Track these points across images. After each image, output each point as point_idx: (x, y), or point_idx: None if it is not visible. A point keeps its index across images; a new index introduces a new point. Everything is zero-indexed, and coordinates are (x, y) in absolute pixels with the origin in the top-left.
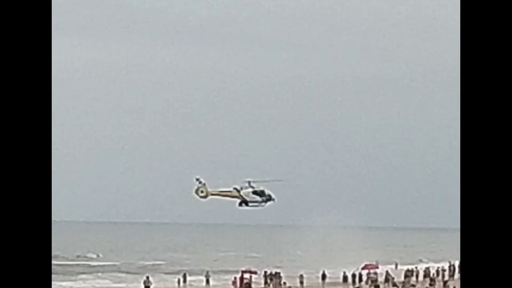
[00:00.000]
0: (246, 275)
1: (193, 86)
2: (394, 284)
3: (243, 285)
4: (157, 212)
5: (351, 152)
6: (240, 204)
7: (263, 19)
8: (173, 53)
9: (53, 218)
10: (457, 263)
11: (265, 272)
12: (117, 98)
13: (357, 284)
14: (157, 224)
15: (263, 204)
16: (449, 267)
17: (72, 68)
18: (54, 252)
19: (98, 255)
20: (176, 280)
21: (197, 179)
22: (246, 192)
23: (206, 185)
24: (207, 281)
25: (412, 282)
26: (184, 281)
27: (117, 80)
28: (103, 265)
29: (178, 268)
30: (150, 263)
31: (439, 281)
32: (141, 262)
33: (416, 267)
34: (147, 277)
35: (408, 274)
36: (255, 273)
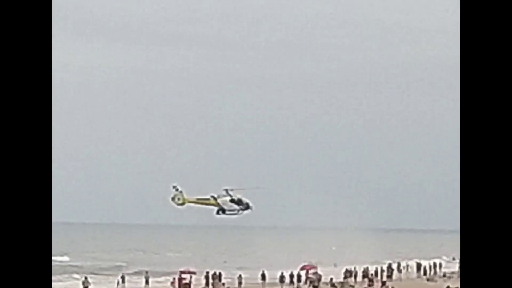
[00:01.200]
0: (186, 276)
1: (170, 90)
2: (333, 285)
3: (182, 285)
4: (133, 213)
5: (331, 155)
6: (218, 213)
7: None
8: (151, 54)
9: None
10: (394, 265)
11: (207, 272)
12: (94, 100)
13: (295, 285)
14: (132, 225)
15: (240, 212)
16: (388, 267)
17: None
18: None
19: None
20: (116, 281)
21: (174, 187)
22: (224, 200)
23: (183, 192)
24: (146, 282)
25: (350, 283)
26: (123, 281)
27: (93, 83)
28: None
29: (138, 268)
30: (108, 263)
31: (377, 281)
32: (97, 263)
33: (355, 267)
34: (85, 278)
35: (347, 274)
36: (194, 273)
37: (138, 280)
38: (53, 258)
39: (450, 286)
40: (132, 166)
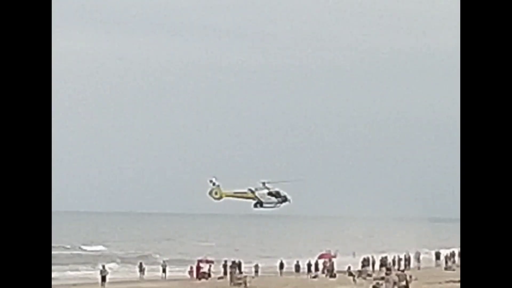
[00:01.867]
0: (204, 265)
1: (207, 84)
2: (350, 274)
3: (200, 274)
4: (169, 203)
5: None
6: (255, 206)
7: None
8: (182, 47)
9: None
10: (412, 254)
11: (225, 261)
12: (124, 92)
13: (313, 273)
14: (166, 214)
15: (278, 205)
16: (405, 256)
17: (71, 59)
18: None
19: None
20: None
21: (211, 181)
22: (261, 193)
23: (220, 186)
24: (164, 271)
25: (368, 272)
26: (141, 270)
27: (126, 73)
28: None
29: (168, 257)
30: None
31: (395, 270)
32: (124, 252)
33: (372, 256)
34: (103, 266)
35: (365, 263)
36: (211, 262)
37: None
38: (88, 247)
39: None
40: (169, 158)
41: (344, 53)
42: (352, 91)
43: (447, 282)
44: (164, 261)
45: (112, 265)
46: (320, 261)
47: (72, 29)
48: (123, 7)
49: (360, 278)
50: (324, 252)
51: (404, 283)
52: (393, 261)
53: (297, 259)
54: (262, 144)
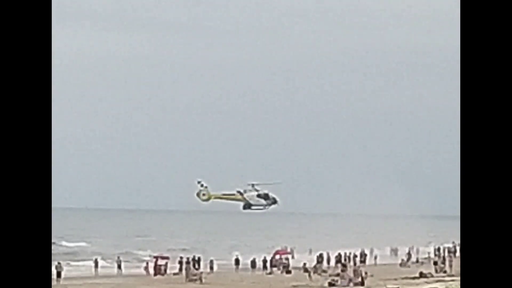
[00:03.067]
0: (161, 261)
1: (196, 83)
2: (306, 270)
3: (156, 271)
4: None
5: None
6: (244, 207)
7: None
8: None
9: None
10: (367, 250)
11: (181, 257)
12: (118, 89)
13: (268, 270)
14: (149, 211)
15: (267, 207)
16: (361, 253)
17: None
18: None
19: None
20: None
21: (199, 182)
22: (250, 195)
23: (208, 188)
24: (119, 267)
25: (324, 268)
26: (96, 266)
27: (120, 71)
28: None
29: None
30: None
31: (351, 266)
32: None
33: (328, 253)
34: (59, 263)
35: (319, 259)
36: (167, 258)
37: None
38: (68, 243)
39: (423, 271)
40: (156, 157)
41: (336, 49)
42: (350, 88)
43: (403, 278)
44: (119, 257)
45: (88, 262)
46: (276, 258)
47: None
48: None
49: (315, 274)
50: (279, 248)
51: (359, 279)
52: (349, 257)
53: (264, 255)
54: (252, 144)
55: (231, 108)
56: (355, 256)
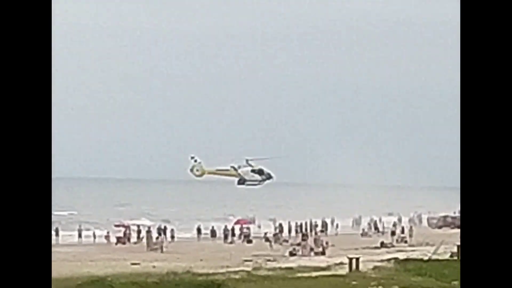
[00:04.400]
0: (121, 229)
1: (189, 54)
2: (267, 239)
3: (117, 239)
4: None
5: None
6: (239, 183)
7: None
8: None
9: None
10: (328, 220)
11: (138, 226)
12: (112, 59)
13: (229, 239)
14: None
15: (261, 182)
16: (322, 222)
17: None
18: None
19: None
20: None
21: (192, 157)
22: (245, 171)
23: (202, 163)
24: (79, 235)
25: (285, 237)
26: (57, 234)
27: (114, 41)
28: None
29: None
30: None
31: (311, 235)
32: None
33: (289, 222)
34: None
35: (280, 229)
36: (128, 227)
37: (86, 233)
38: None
39: (384, 241)
40: (149, 130)
41: (332, 19)
42: (351, 57)
43: (363, 248)
44: (80, 225)
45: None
46: (237, 227)
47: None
48: None
49: (276, 243)
50: (240, 218)
51: (320, 249)
52: (310, 226)
53: (225, 224)
54: (248, 116)
55: (227, 81)
56: (316, 225)
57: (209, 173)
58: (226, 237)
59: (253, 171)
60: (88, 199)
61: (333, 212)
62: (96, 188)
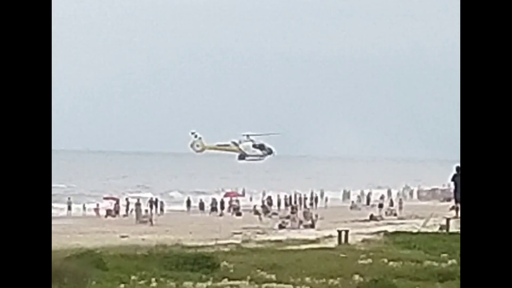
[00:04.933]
0: (110, 202)
1: (191, 30)
2: (256, 212)
3: (107, 212)
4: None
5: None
6: (239, 158)
7: None
8: None
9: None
10: (318, 193)
11: (126, 199)
12: (116, 34)
13: (219, 212)
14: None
15: (262, 158)
16: (311, 195)
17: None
18: None
19: None
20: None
21: (193, 133)
22: (246, 146)
23: (202, 139)
24: (69, 208)
25: (274, 210)
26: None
27: (117, 17)
28: None
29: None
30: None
31: (300, 208)
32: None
33: (278, 195)
34: None
35: (269, 201)
36: (115, 199)
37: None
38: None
39: (373, 214)
40: (150, 104)
41: None
42: (351, 29)
43: (353, 221)
44: (69, 198)
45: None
46: (226, 200)
47: None
48: None
49: (266, 216)
50: (229, 190)
51: (309, 221)
52: (299, 199)
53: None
54: (248, 93)
55: (228, 55)
56: (305, 198)
57: (210, 148)
58: (215, 209)
59: (254, 146)
60: (87, 172)
61: (323, 185)
62: (97, 161)
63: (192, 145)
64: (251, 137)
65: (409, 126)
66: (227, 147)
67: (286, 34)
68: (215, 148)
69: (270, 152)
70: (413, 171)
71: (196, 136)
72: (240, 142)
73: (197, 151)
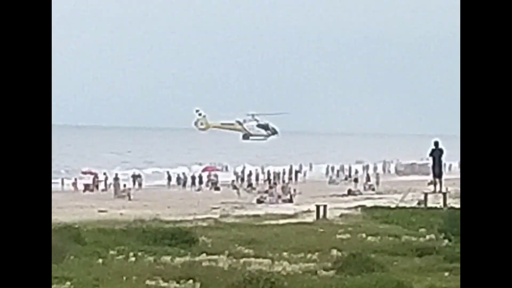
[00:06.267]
0: (87, 176)
1: (196, 7)
2: (235, 187)
3: (85, 187)
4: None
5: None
6: (244, 138)
7: None
8: None
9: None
10: (296, 167)
11: (104, 173)
12: (121, 10)
13: (197, 186)
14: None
15: (266, 138)
16: (290, 170)
17: None
18: None
19: None
20: None
21: (197, 111)
22: (250, 125)
23: (207, 117)
24: (62, 183)
25: (253, 185)
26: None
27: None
28: None
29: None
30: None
31: (279, 183)
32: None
33: (256, 170)
34: None
35: (247, 176)
36: (94, 174)
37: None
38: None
39: (352, 189)
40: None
41: None
42: (352, 8)
43: (331, 196)
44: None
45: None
46: (204, 174)
47: None
48: None
49: (244, 191)
50: (208, 165)
51: (288, 196)
52: (278, 174)
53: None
54: (254, 71)
55: (232, 34)
56: (283, 173)
57: (214, 126)
58: (193, 184)
59: (258, 125)
60: (82, 146)
61: (302, 160)
62: (96, 136)
63: (196, 123)
64: (256, 117)
65: (389, 102)
66: (231, 126)
67: (293, 13)
68: (219, 127)
69: (274, 132)
70: (391, 146)
71: (200, 114)
72: (244, 121)
73: (201, 129)
